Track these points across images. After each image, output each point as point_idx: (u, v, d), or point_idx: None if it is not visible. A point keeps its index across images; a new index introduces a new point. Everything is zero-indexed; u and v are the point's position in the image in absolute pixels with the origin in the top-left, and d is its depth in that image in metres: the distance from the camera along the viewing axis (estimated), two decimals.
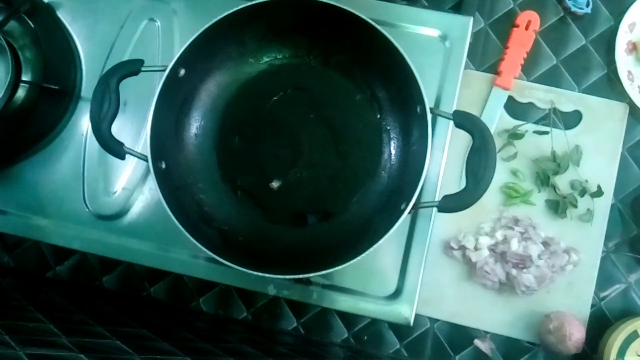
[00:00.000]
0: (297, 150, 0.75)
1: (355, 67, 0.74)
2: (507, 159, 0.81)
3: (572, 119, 0.82)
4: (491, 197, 0.81)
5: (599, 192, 0.79)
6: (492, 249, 0.78)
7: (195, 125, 0.75)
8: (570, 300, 0.78)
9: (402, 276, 0.72)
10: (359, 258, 0.61)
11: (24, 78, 0.77)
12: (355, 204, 0.73)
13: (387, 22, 0.75)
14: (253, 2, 0.67)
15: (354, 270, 0.68)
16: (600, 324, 0.78)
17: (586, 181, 0.80)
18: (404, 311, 0.72)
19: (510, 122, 0.82)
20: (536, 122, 0.82)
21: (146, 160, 0.65)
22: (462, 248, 0.79)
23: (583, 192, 0.79)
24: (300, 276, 0.64)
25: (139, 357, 0.59)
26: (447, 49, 0.75)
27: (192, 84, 0.73)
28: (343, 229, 0.72)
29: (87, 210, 0.78)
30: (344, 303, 0.73)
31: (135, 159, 0.67)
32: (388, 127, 0.74)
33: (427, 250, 0.73)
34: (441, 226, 0.80)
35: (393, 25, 0.76)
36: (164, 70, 0.66)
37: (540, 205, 0.80)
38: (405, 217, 0.61)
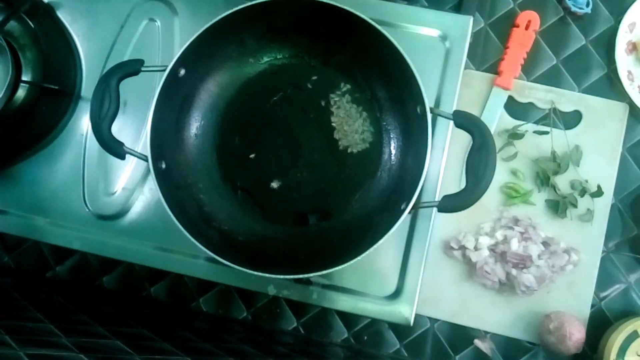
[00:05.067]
0: (297, 150, 0.75)
1: (355, 67, 0.74)
2: (507, 159, 0.81)
3: (572, 119, 0.82)
4: (491, 197, 0.81)
5: (599, 192, 0.79)
6: (492, 249, 0.78)
7: (195, 125, 0.75)
8: (570, 300, 0.78)
9: (402, 276, 0.72)
10: (359, 258, 0.61)
11: (24, 78, 0.77)
12: (355, 204, 0.73)
13: (387, 22, 0.75)
14: (253, 2, 0.67)
15: (354, 270, 0.68)
16: (600, 324, 0.78)
17: (586, 181, 0.80)
18: (404, 311, 0.72)
19: (510, 122, 0.82)
20: (536, 122, 0.82)
21: (146, 160, 0.65)
22: (462, 248, 0.79)
23: (583, 192, 0.79)
24: (300, 276, 0.64)
25: (139, 357, 0.59)
26: (447, 49, 0.75)
27: (192, 84, 0.73)
28: (343, 229, 0.72)
29: (87, 210, 0.78)
30: (344, 303, 0.73)
31: (135, 159, 0.67)
32: (388, 127, 0.74)
33: (427, 250, 0.73)
34: (441, 226, 0.80)
35: (393, 25, 0.76)
36: (164, 70, 0.66)
37: (540, 205, 0.80)
38: (405, 217, 0.61)
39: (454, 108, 0.72)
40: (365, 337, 0.82)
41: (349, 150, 0.74)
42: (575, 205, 0.79)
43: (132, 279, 0.85)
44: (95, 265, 0.85)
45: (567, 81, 0.84)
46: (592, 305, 0.79)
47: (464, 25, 0.75)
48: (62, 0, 0.83)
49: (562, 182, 0.80)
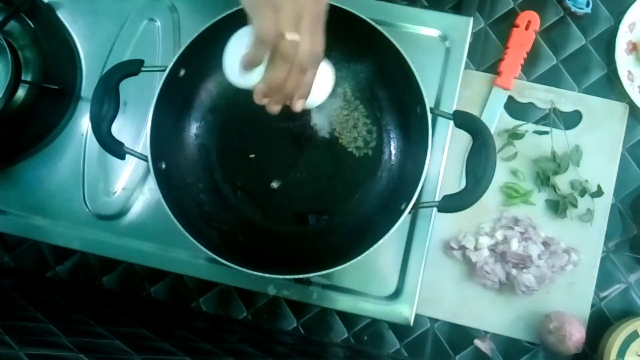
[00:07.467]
0: (297, 150, 0.74)
1: (355, 66, 0.74)
2: (507, 159, 0.81)
3: (572, 119, 0.82)
4: (491, 197, 0.81)
5: (599, 192, 0.79)
6: (492, 249, 0.78)
7: (195, 125, 0.75)
8: (570, 300, 0.78)
9: (402, 276, 0.72)
10: (359, 258, 0.61)
11: (24, 78, 0.77)
12: (355, 204, 0.73)
13: (387, 22, 0.75)
14: None
15: (354, 270, 0.68)
16: (600, 324, 0.78)
17: (586, 181, 0.80)
18: (404, 311, 0.72)
19: (510, 122, 0.82)
20: (536, 122, 0.82)
21: (146, 160, 0.66)
22: (462, 248, 0.79)
23: (583, 192, 0.79)
24: (300, 276, 0.64)
25: (139, 357, 0.59)
26: (447, 49, 0.75)
27: (192, 84, 0.73)
28: (343, 229, 0.72)
29: (87, 210, 0.78)
30: (344, 303, 0.73)
31: (135, 159, 0.67)
32: (388, 127, 0.74)
33: (427, 250, 0.73)
34: (441, 226, 0.80)
35: (393, 25, 0.76)
36: (164, 70, 0.66)
37: (540, 205, 0.80)
38: (405, 217, 0.61)
39: (454, 108, 0.72)
40: (365, 337, 0.82)
41: (349, 150, 0.74)
42: (575, 205, 0.79)
43: (132, 279, 0.85)
44: (95, 265, 0.85)
45: (567, 81, 0.84)
46: (592, 305, 0.79)
47: (464, 26, 0.75)
48: (62, 0, 0.83)
49: (562, 182, 0.80)
